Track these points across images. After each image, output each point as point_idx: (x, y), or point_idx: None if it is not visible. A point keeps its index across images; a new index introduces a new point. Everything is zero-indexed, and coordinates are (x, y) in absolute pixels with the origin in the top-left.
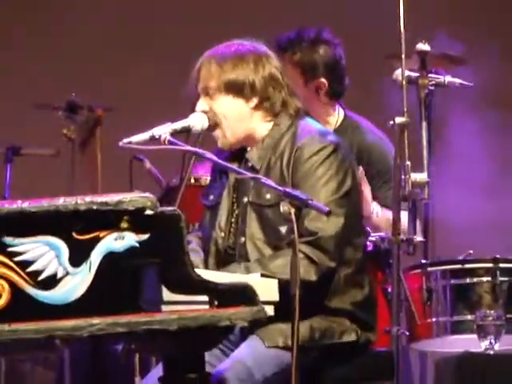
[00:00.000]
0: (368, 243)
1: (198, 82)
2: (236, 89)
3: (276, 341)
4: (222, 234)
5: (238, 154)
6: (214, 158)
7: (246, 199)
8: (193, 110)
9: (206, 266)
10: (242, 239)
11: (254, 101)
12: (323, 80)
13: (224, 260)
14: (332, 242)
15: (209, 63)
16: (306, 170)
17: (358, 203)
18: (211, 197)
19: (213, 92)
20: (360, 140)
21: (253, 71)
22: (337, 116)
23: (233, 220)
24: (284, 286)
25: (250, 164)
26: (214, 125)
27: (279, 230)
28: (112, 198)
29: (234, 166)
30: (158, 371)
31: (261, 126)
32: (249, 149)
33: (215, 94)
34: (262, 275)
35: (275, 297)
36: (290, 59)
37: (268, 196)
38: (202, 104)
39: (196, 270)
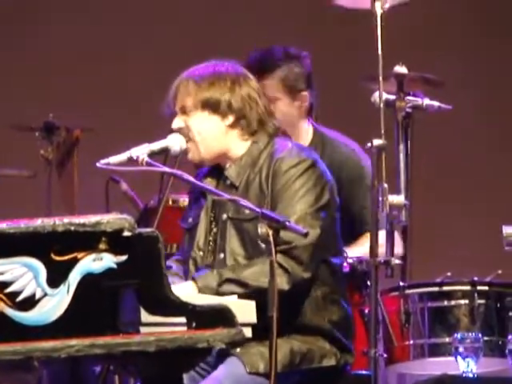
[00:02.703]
0: (345, 264)
1: (176, 102)
2: (212, 106)
3: (257, 366)
4: (201, 253)
5: (215, 172)
6: (192, 179)
7: (225, 216)
8: (171, 131)
9: None
10: (222, 255)
11: (230, 118)
12: (305, 93)
13: None
14: (306, 253)
15: (186, 82)
16: (284, 182)
17: (335, 222)
18: (189, 219)
19: (189, 109)
20: (330, 153)
21: (229, 90)
22: (309, 131)
23: (211, 238)
24: (255, 295)
25: (228, 182)
26: (187, 140)
27: (259, 244)
28: (90, 219)
29: (211, 187)
30: None
31: (237, 144)
32: (227, 166)
33: (191, 111)
34: (232, 280)
35: (253, 318)
36: (272, 78)
37: (247, 210)
38: (178, 121)
39: (174, 291)
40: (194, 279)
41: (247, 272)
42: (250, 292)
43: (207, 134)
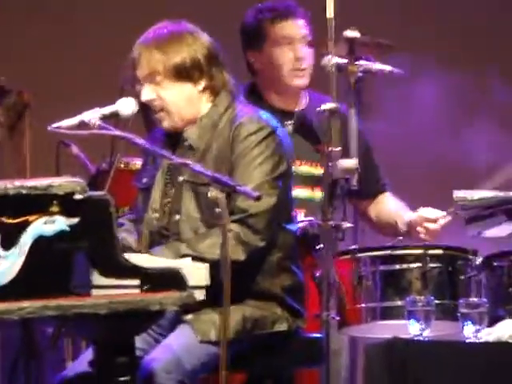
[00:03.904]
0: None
1: (138, 70)
2: (184, 72)
3: (208, 334)
4: (156, 215)
5: (172, 134)
6: (143, 142)
7: (181, 178)
8: (121, 96)
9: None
10: (177, 217)
11: (202, 83)
12: None
13: (157, 242)
14: (262, 221)
15: (149, 50)
16: (243, 149)
17: (289, 189)
18: (144, 179)
19: (160, 79)
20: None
21: (195, 51)
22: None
23: (166, 200)
24: (212, 268)
25: (187, 143)
26: (159, 110)
27: (214, 207)
28: (41, 182)
29: (163, 150)
30: (88, 355)
31: (204, 106)
32: (185, 128)
33: (163, 80)
34: (190, 256)
35: (206, 281)
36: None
37: None
38: (147, 92)
39: (126, 253)
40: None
41: (203, 245)
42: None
43: (182, 102)
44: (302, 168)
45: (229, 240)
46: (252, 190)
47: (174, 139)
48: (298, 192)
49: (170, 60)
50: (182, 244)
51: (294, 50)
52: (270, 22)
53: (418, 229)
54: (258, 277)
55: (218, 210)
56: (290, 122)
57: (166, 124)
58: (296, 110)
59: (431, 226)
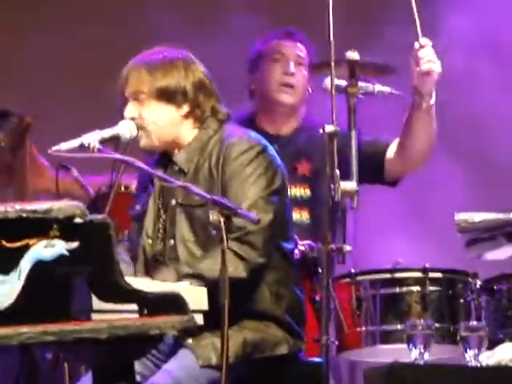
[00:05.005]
0: (296, 252)
1: (126, 89)
2: (168, 95)
3: (209, 359)
4: (150, 241)
5: (163, 159)
6: (143, 165)
7: (174, 201)
8: (122, 118)
9: (135, 276)
10: (172, 242)
11: (185, 108)
12: None
13: (153, 267)
14: (260, 238)
15: (138, 71)
16: (235, 168)
17: (286, 207)
18: (137, 207)
19: (143, 98)
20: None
21: (183, 78)
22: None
23: (160, 225)
24: (213, 288)
25: (177, 167)
26: (139, 128)
27: (209, 229)
28: (41, 205)
29: (161, 173)
30: (87, 380)
31: (188, 131)
32: (176, 152)
33: (146, 100)
34: (190, 275)
35: (204, 305)
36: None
37: (197, 196)
38: (131, 109)
39: (126, 278)
40: (151, 277)
41: (204, 264)
42: (207, 284)
43: (161, 123)
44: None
45: (228, 261)
46: (247, 208)
47: (164, 165)
48: None
49: (155, 81)
50: (181, 264)
51: (284, 65)
52: (267, 42)
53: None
54: (256, 296)
55: (213, 231)
56: (276, 146)
57: (143, 143)
58: (283, 134)
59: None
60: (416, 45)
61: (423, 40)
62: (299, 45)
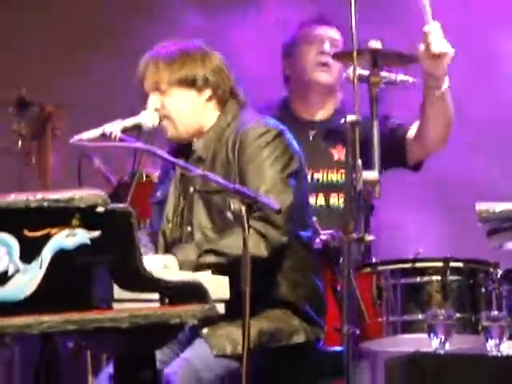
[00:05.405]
0: (317, 241)
1: (146, 81)
2: (188, 82)
3: (224, 348)
4: (170, 226)
5: (184, 147)
6: (165, 155)
7: (192, 189)
8: (143, 107)
9: None
10: (189, 228)
11: (207, 92)
12: None
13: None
14: (282, 217)
15: (155, 63)
16: (252, 152)
17: (303, 193)
18: (158, 193)
19: (165, 87)
20: None
21: (201, 67)
22: None
23: (179, 211)
24: (236, 267)
25: (196, 155)
26: (163, 118)
27: (226, 215)
28: (63, 195)
29: (182, 161)
30: (110, 369)
31: (210, 116)
32: (195, 140)
33: (167, 89)
34: (211, 250)
35: (226, 294)
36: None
37: (214, 183)
38: (153, 100)
39: (146, 267)
40: (173, 253)
41: (225, 241)
42: (228, 261)
43: (185, 110)
44: (319, 175)
45: (250, 239)
46: (266, 191)
47: (184, 153)
48: (311, 201)
49: (175, 70)
50: (202, 241)
51: (319, 46)
52: (302, 27)
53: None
54: (274, 284)
55: (230, 216)
56: (312, 132)
57: (169, 133)
58: (318, 119)
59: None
60: (426, 28)
61: (433, 23)
62: (334, 30)
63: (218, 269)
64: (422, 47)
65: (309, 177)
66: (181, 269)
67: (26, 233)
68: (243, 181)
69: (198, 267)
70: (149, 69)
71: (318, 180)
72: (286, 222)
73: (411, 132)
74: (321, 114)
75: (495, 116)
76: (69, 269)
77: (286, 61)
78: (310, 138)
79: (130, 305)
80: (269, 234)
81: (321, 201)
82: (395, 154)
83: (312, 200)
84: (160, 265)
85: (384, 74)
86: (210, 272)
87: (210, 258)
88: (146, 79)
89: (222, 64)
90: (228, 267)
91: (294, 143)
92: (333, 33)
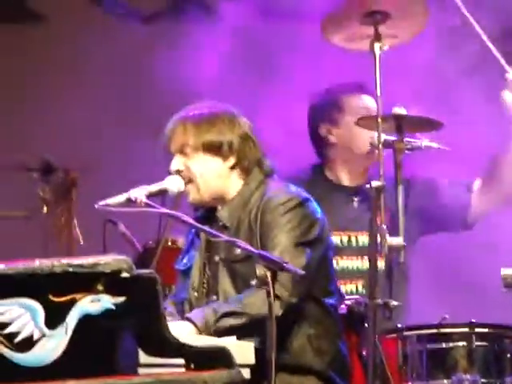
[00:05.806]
0: (342, 306)
1: (172, 143)
2: (214, 148)
3: None
4: (196, 294)
5: (208, 215)
6: (191, 220)
7: (217, 257)
8: (166, 169)
9: None
10: (214, 297)
11: (232, 160)
12: None
13: None
14: (290, 279)
15: (183, 124)
16: (271, 219)
17: (326, 261)
18: (184, 261)
19: (190, 151)
20: None
21: (229, 131)
22: None
23: (205, 280)
24: (254, 326)
25: (221, 223)
26: (187, 182)
27: (250, 283)
28: (88, 260)
29: (207, 228)
30: None
31: (234, 184)
32: (219, 208)
33: (192, 152)
34: (229, 314)
35: (251, 360)
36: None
37: (238, 251)
38: (177, 162)
39: (172, 332)
40: (190, 319)
41: (245, 301)
42: (246, 321)
43: (209, 175)
44: (363, 238)
45: (263, 300)
46: (279, 254)
47: (208, 221)
48: (357, 263)
49: (201, 135)
50: (218, 304)
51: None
52: (345, 95)
53: None
54: (297, 351)
55: (252, 282)
56: (356, 199)
57: (191, 197)
58: (363, 185)
59: None
60: (509, 76)
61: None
62: (371, 98)
63: (237, 330)
64: (505, 95)
65: (353, 240)
66: (201, 333)
67: (51, 298)
68: (262, 245)
69: (218, 330)
70: (177, 130)
71: (363, 242)
72: (292, 284)
73: (475, 188)
74: (363, 181)
75: None
76: (94, 334)
77: (328, 126)
78: (355, 204)
79: (156, 370)
80: (280, 293)
81: (366, 264)
82: (456, 211)
83: (359, 263)
84: (187, 331)
85: (409, 139)
86: (235, 337)
87: (229, 321)
88: (172, 141)
89: (249, 131)
90: (248, 327)
91: (318, 211)
92: (373, 102)
